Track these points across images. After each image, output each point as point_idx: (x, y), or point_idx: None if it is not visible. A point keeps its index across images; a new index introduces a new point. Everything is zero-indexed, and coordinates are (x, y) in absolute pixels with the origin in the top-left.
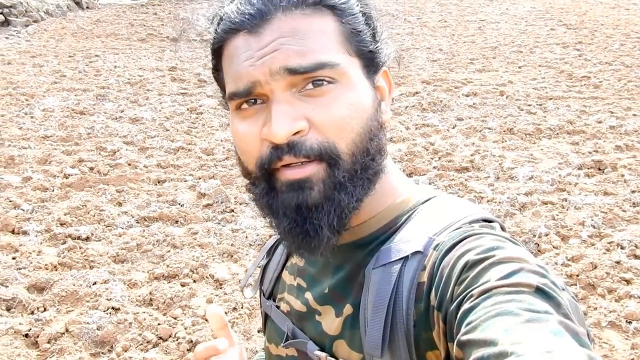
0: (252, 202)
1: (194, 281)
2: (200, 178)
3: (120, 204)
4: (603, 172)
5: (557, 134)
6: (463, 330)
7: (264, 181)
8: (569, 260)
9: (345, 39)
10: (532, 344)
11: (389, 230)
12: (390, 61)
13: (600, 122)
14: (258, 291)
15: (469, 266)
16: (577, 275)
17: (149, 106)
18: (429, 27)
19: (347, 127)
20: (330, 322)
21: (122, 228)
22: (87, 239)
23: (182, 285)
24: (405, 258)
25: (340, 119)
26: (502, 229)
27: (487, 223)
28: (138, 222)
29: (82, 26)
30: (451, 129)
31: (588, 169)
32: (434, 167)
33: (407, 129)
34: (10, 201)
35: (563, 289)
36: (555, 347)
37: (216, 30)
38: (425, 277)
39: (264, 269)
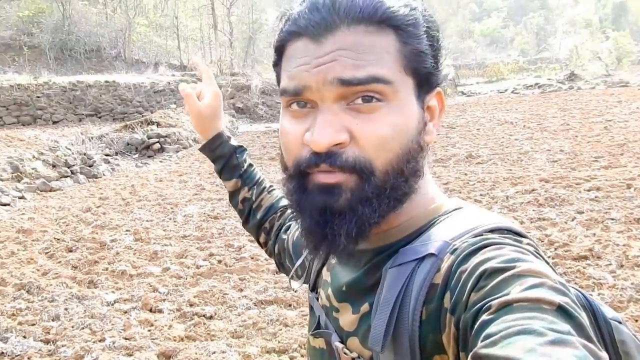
0: (285, 195)
1: (302, 355)
2: None
3: (241, 290)
4: None
5: None
6: (481, 343)
7: (297, 180)
8: None
9: (404, 58)
10: None
11: (411, 237)
12: (446, 82)
13: None
14: (305, 284)
15: (488, 274)
16: None
17: None
18: (549, 131)
19: (387, 146)
20: (347, 318)
21: (242, 309)
22: (211, 317)
23: (291, 359)
24: (420, 259)
25: (381, 137)
26: (533, 245)
27: (513, 234)
28: (256, 305)
29: None
30: (570, 222)
31: None
32: (549, 257)
33: (522, 224)
34: (150, 286)
35: (619, 322)
36: None
37: (282, 29)
38: (439, 279)
39: (311, 262)
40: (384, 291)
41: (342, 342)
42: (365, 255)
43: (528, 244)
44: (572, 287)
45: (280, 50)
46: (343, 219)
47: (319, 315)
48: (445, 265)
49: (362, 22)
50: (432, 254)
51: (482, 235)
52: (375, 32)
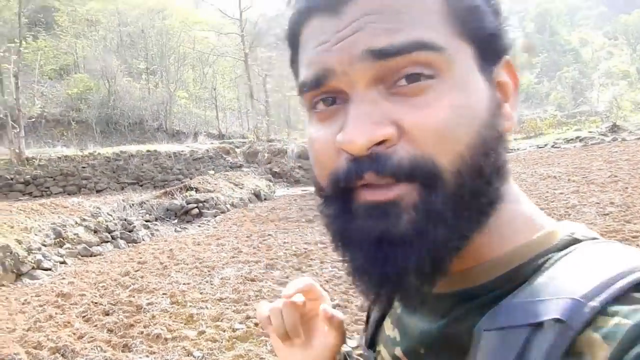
0: (324, 226)
1: None
2: (354, 331)
3: None
4: None
5: None
6: None
7: (338, 202)
8: None
9: (455, 18)
10: None
11: (511, 280)
12: (515, 49)
13: None
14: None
15: None
16: None
17: (310, 272)
18: (596, 183)
19: (452, 136)
20: None
21: None
22: None
23: None
24: (537, 325)
25: (442, 125)
26: None
27: None
28: None
29: (260, 214)
30: None
31: None
32: None
33: None
34: (185, 349)
35: None
36: None
37: (292, 12)
38: None
39: (369, 312)
40: None
41: None
42: (443, 301)
43: None
44: None
45: (293, 41)
46: (409, 248)
47: None
48: (589, 349)
49: None
50: (557, 320)
51: (632, 296)
52: None
